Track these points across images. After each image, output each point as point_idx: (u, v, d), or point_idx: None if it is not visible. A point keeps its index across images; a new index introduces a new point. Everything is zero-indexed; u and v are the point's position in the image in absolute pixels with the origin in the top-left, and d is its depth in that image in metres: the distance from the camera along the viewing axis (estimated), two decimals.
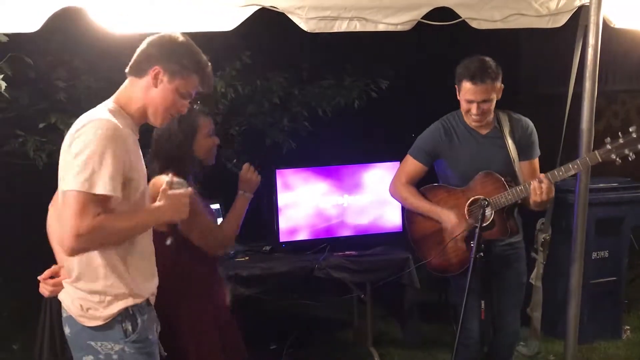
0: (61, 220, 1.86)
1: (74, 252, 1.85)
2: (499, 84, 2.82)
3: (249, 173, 2.55)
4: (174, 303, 2.36)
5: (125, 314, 1.96)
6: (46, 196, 2.20)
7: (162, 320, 2.18)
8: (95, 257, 1.93)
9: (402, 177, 3.07)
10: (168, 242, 2.10)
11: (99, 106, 1.98)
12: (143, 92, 1.98)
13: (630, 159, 2.63)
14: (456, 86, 2.88)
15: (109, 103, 1.99)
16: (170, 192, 2.00)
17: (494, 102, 2.84)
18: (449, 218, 2.90)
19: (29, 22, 2.42)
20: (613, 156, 2.63)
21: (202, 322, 2.48)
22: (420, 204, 3.01)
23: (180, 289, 2.41)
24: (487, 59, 2.81)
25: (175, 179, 2.08)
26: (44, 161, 3.65)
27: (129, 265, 1.97)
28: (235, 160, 2.64)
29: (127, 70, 2.01)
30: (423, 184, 3.09)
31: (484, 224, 2.74)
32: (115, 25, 2.53)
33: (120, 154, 1.84)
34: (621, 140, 2.61)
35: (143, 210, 1.98)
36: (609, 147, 2.63)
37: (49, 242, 2.20)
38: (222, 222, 2.58)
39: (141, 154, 2.05)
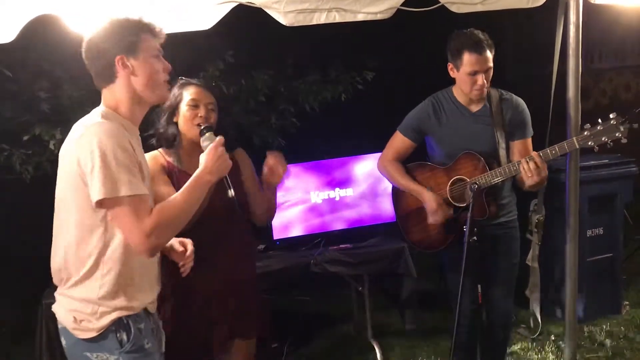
0: (124, 230, 1.89)
1: (151, 251, 1.92)
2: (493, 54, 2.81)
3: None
4: None
5: (119, 324, 1.95)
6: (34, 209, 2.17)
7: None
8: (94, 266, 1.92)
9: (390, 154, 3.08)
10: (230, 194, 2.19)
11: (92, 112, 1.98)
12: (125, 88, 1.97)
13: (608, 146, 2.60)
14: (450, 63, 2.86)
15: (101, 107, 2.00)
16: (205, 150, 2.06)
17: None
18: (430, 202, 2.91)
19: (4, 32, 2.38)
20: (590, 143, 2.61)
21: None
22: (405, 182, 3.02)
23: None
24: (476, 30, 2.80)
25: (206, 134, 2.23)
26: (31, 174, 3.61)
27: (127, 275, 1.95)
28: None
29: (97, 85, 2.02)
30: (413, 159, 3.09)
31: (463, 204, 2.73)
32: None
33: (128, 147, 1.87)
34: (599, 127, 2.59)
35: (190, 181, 2.00)
36: (587, 133, 2.61)
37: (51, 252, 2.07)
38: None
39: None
